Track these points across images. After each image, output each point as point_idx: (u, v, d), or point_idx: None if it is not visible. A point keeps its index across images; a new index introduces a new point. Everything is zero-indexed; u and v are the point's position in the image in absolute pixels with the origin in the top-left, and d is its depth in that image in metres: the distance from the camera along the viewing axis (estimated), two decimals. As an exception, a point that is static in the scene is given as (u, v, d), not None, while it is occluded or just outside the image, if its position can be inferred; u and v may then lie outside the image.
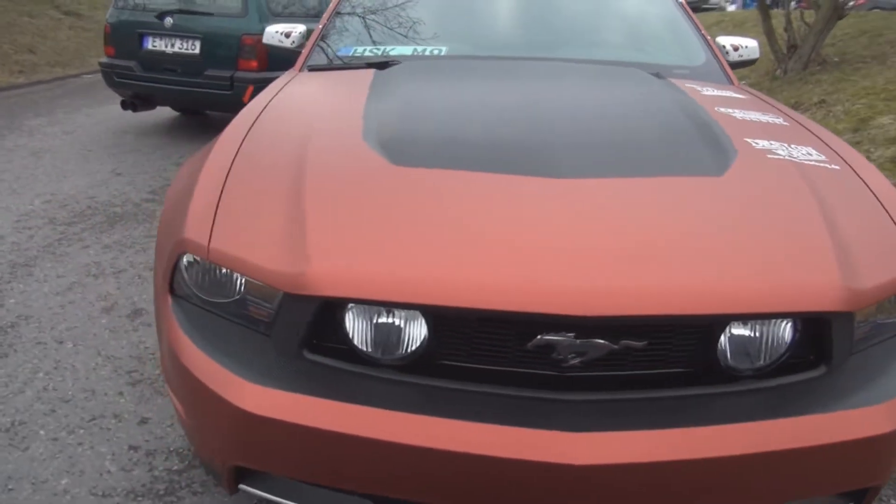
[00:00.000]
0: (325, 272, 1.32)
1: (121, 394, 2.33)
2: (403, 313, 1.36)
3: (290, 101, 2.18)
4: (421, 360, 1.38)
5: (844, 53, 8.94)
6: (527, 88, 2.21)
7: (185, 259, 1.53)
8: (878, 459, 1.40)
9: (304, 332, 1.38)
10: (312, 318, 1.35)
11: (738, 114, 2.11)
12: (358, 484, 1.38)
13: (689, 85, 2.41)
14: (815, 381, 1.39)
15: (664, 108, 2.06)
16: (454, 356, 1.38)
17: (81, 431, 2.13)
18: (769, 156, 1.76)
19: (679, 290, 1.28)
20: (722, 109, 2.12)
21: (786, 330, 1.38)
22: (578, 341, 1.28)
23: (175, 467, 1.99)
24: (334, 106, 2.08)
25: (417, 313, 1.35)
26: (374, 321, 1.37)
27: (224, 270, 1.47)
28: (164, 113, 7.08)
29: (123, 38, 6.17)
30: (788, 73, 8.51)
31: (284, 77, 2.55)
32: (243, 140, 1.82)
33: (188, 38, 5.89)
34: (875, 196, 1.68)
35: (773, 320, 1.36)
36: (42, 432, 2.12)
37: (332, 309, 1.37)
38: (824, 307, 1.31)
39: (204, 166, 1.71)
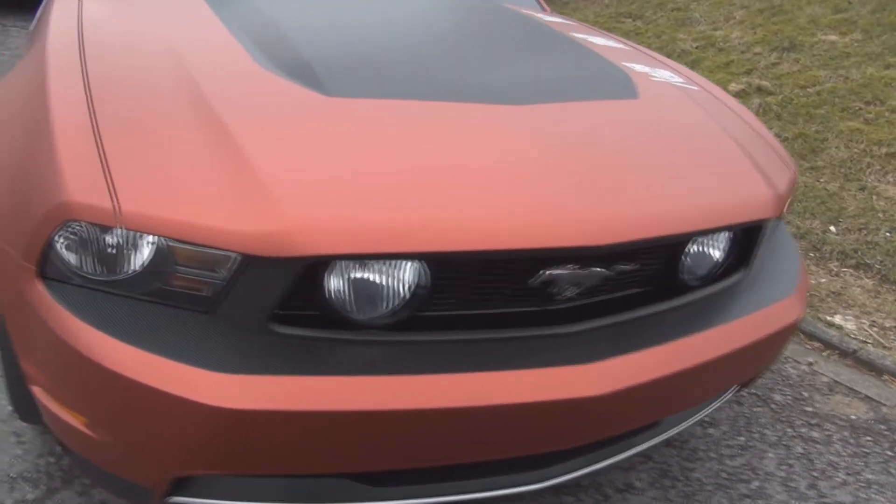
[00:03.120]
0: (306, 226, 1.10)
1: None
2: (391, 265, 1.19)
3: (114, 24, 1.73)
4: (409, 316, 1.23)
5: (555, -10, 9.82)
6: (388, 11, 2.03)
7: (63, 231, 1.16)
8: (783, 344, 1.61)
9: (274, 302, 1.14)
10: (289, 283, 1.12)
11: (592, 39, 2.18)
12: (352, 463, 1.22)
13: (525, 11, 2.43)
14: (738, 285, 1.53)
15: (542, 33, 2.05)
16: (445, 305, 1.26)
17: None
18: (652, 78, 1.86)
19: (666, 212, 1.30)
20: (577, 35, 2.17)
21: (722, 240, 1.49)
22: (581, 271, 1.25)
23: (29, 496, 1.56)
24: (181, 27, 1.70)
25: (408, 264, 1.19)
26: (357, 277, 1.19)
27: (117, 238, 1.15)
28: None
29: None
30: (510, 7, 9.14)
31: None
32: (85, 73, 1.41)
33: None
34: (733, 111, 1.87)
35: (717, 233, 1.46)
36: None
37: (312, 269, 1.15)
38: (766, 214, 1.44)
39: (51, 109, 1.29)
